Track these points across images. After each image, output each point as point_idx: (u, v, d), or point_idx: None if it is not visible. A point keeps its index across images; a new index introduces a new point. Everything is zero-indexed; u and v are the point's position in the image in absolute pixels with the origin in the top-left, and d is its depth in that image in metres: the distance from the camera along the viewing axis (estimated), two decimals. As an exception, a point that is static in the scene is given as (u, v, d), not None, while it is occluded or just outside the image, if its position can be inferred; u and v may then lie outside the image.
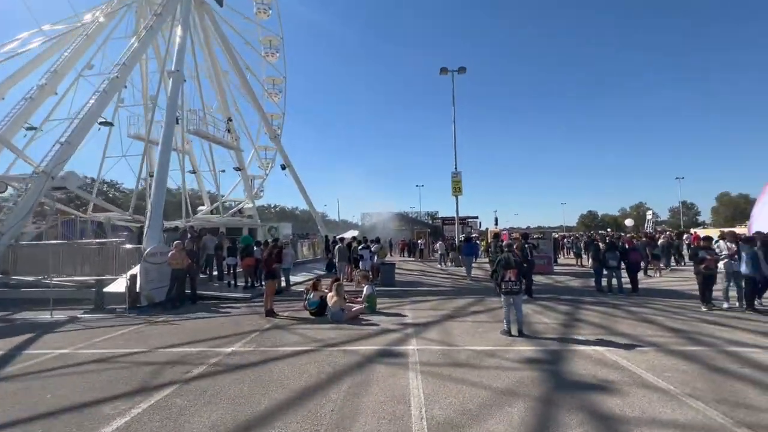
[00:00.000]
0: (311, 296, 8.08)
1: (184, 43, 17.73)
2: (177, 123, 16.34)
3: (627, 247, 11.14)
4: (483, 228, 48.29)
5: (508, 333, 6.26)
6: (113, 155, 23.03)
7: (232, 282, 12.48)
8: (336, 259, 14.37)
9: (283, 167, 26.86)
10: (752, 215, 26.30)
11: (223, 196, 30.04)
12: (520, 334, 6.23)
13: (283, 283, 12.48)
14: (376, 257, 13.57)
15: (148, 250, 9.85)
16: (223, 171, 28.03)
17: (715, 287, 8.72)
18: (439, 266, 23.02)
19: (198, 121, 21.59)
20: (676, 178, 69.14)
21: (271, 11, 31.05)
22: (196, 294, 10.31)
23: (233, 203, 30.75)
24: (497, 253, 11.27)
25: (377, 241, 14.05)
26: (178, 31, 18.06)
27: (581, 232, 51.41)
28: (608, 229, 69.40)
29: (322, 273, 17.27)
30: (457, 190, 23.80)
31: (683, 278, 14.22)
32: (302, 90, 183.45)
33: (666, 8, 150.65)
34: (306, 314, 8.19)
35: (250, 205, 28.08)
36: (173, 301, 9.43)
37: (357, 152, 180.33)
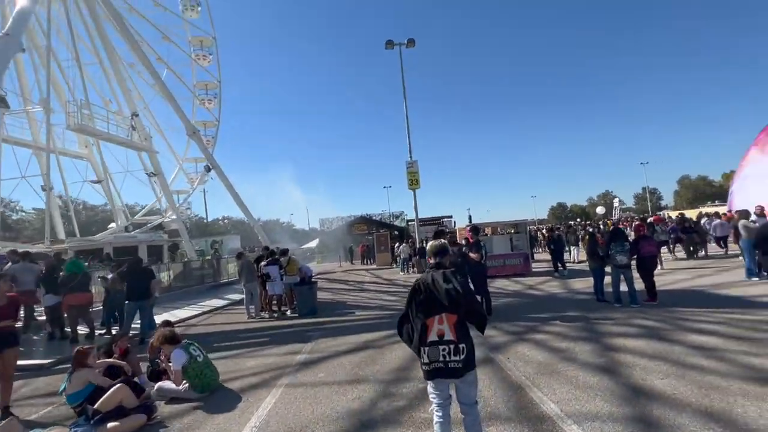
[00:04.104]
0: (69, 381, 3.96)
1: (30, 6, 13.16)
2: (6, 107, 11.74)
3: (638, 235, 7.66)
4: (456, 227, 45.22)
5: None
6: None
7: (56, 332, 8.07)
8: (242, 281, 10.17)
9: (208, 168, 22.36)
10: (731, 192, 24.40)
11: (141, 208, 25.23)
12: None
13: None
14: (284, 275, 9.56)
15: None
16: (153, 176, 23.02)
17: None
18: (400, 273, 19.44)
19: (78, 114, 16.84)
20: (641, 163, 69.17)
21: (200, 8, 27.16)
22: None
23: (162, 216, 25.93)
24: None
25: (285, 252, 10.01)
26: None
27: (557, 224, 49.27)
28: (578, 219, 68.18)
29: (238, 299, 13.11)
30: (413, 182, 20.09)
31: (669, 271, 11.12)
32: (257, 94, 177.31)
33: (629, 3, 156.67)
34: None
35: (173, 218, 23.33)
36: None
37: (325, 157, 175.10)
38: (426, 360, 2.42)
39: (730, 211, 22.19)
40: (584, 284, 10.33)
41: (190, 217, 64.06)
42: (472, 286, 7.82)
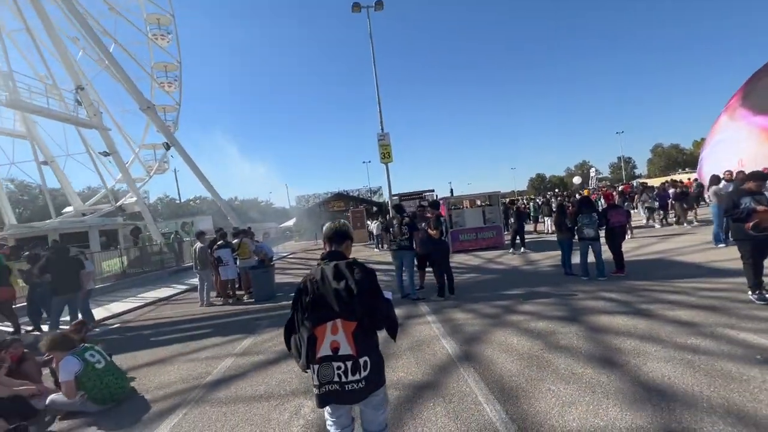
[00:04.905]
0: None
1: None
2: None
3: (607, 204, 7.28)
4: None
5: None
6: None
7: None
8: (196, 267, 9.47)
9: (167, 146, 20.83)
10: (701, 158, 24.69)
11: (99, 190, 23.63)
12: None
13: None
14: (237, 258, 8.88)
15: None
16: (107, 155, 21.12)
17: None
18: (375, 250, 19.02)
19: (12, 88, 15.07)
20: (617, 132, 69.71)
21: None
22: None
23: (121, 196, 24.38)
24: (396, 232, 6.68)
25: (242, 233, 9.25)
26: None
27: (533, 196, 49.66)
28: (556, 190, 68.76)
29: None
30: (386, 156, 19.26)
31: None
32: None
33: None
34: None
35: (133, 199, 21.93)
36: None
37: (305, 132, 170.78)
38: (316, 381, 1.84)
39: (689, 179, 22.50)
40: (541, 256, 10.31)
41: (163, 200, 61.39)
42: (428, 264, 7.29)
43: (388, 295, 1.93)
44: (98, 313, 8.40)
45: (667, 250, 9.06)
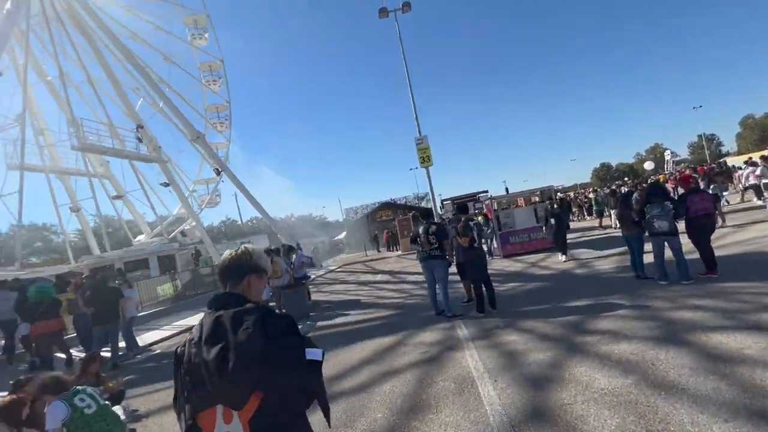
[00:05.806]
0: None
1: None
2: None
3: (685, 189, 5.87)
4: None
5: None
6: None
7: (36, 361, 7.70)
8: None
9: (218, 172, 22.01)
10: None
11: (163, 219, 25.57)
12: None
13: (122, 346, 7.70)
14: (270, 279, 8.65)
15: None
16: (167, 185, 22.79)
17: None
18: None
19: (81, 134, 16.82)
20: (693, 107, 61.29)
21: (207, 34, 26.54)
22: None
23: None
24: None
25: (273, 251, 9.04)
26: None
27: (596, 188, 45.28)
28: (626, 179, 62.04)
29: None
30: (425, 159, 18.46)
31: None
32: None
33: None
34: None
35: (192, 225, 23.43)
36: None
37: (353, 146, 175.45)
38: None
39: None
40: (601, 256, 8.92)
41: (226, 222, 65.50)
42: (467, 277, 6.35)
43: (313, 355, 1.25)
44: (144, 338, 8.62)
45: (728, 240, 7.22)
